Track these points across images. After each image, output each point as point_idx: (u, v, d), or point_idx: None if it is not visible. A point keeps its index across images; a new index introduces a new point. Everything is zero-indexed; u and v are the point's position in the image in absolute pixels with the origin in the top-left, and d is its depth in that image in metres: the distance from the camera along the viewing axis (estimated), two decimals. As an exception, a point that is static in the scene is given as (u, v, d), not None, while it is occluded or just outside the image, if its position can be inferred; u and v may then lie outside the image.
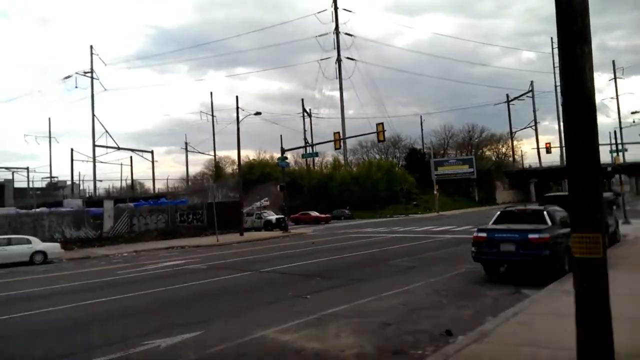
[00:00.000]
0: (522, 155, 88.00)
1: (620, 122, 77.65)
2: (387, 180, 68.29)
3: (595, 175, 4.22)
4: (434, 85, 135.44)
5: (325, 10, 77.58)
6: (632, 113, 47.26)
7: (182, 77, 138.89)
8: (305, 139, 72.28)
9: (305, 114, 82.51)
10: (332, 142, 33.59)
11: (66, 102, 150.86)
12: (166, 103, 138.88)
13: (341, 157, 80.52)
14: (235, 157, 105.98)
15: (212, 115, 73.43)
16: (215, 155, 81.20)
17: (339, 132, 34.86)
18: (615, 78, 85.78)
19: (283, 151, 34.65)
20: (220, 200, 35.65)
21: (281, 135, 38.08)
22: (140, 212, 31.36)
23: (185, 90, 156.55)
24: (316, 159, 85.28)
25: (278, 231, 35.42)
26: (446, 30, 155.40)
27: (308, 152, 35.30)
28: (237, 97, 34.18)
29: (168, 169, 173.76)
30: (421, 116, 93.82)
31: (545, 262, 9.48)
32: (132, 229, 30.51)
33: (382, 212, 61.53)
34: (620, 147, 56.71)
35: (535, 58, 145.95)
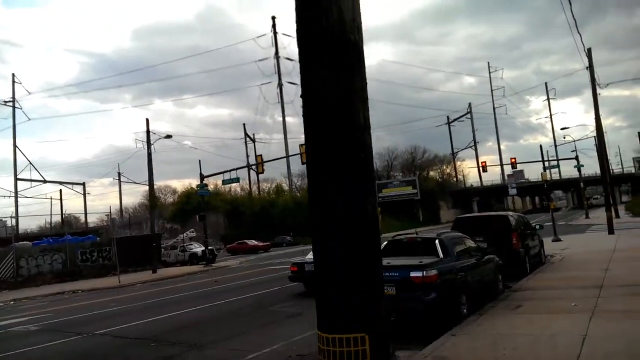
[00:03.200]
0: (464, 176, 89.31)
1: (555, 140, 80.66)
2: (331, 204, 66.63)
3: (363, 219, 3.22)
4: (384, 110, 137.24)
5: (265, 35, 76.13)
6: (562, 129, 48.17)
7: (125, 106, 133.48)
8: (248, 164, 69.48)
9: (250, 140, 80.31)
10: (289, 164, 31.05)
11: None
12: (111, 133, 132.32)
13: (291, 183, 78.75)
14: (176, 186, 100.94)
15: (148, 144, 69.33)
16: (152, 185, 76.12)
17: (260, 156, 32.51)
18: (548, 99, 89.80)
19: (202, 178, 31.72)
20: (132, 235, 31.96)
21: (200, 161, 35.43)
22: (31, 253, 27.23)
23: (131, 119, 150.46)
24: (265, 185, 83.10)
25: (202, 265, 32.16)
26: (392, 57, 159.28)
27: (230, 178, 32.31)
28: (147, 119, 31.33)
29: (113, 200, 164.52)
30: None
31: (431, 308, 7.23)
32: (20, 272, 26.31)
33: (326, 237, 59.60)
34: (552, 164, 57.83)
35: (476, 83, 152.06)
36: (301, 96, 3.10)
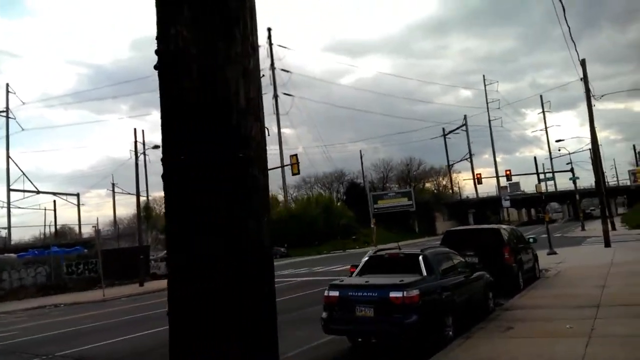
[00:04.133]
0: (459, 187, 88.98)
1: (550, 152, 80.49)
2: (326, 215, 66.06)
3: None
4: (379, 122, 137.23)
5: (260, 46, 75.84)
6: (557, 141, 47.91)
7: (121, 116, 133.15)
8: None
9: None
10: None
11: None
12: (107, 143, 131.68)
13: (288, 194, 78.21)
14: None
15: (144, 154, 68.57)
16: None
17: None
18: (543, 112, 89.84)
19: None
20: (120, 247, 31.19)
21: None
22: (13, 265, 26.33)
23: (127, 130, 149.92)
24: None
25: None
26: (387, 69, 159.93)
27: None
28: (135, 129, 30.86)
29: (109, 211, 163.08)
30: (360, 151, 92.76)
31: (411, 332, 6.58)
32: (2, 285, 25.41)
33: (320, 248, 58.96)
34: (548, 176, 57.54)
35: (472, 95, 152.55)
36: (155, 52, 1.78)
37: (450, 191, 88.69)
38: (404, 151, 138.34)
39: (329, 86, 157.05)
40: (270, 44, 75.67)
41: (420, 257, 7.74)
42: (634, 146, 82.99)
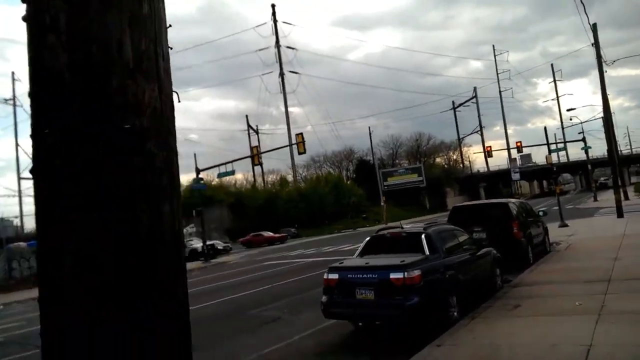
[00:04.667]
0: (470, 161, 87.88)
1: (562, 122, 78.96)
2: (335, 194, 65.99)
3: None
4: (389, 97, 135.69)
5: (265, 23, 74.69)
6: (568, 110, 46.76)
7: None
8: (251, 156, 68.89)
9: (253, 131, 79.67)
10: (289, 155, 30.15)
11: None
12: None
13: (297, 174, 78.10)
14: (182, 181, 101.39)
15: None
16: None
17: (256, 147, 31.64)
18: (555, 81, 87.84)
19: (198, 172, 30.89)
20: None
21: (195, 154, 33.53)
22: (23, 254, 26.65)
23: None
24: (271, 176, 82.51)
25: (201, 261, 31.54)
26: (396, 43, 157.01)
27: (225, 171, 31.50)
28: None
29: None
30: (369, 127, 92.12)
31: (413, 314, 6.37)
32: (12, 274, 25.78)
33: (331, 227, 59.08)
34: (560, 146, 56.47)
35: (483, 67, 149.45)
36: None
37: (461, 166, 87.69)
38: (414, 126, 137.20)
39: (337, 62, 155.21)
40: (275, 21, 74.40)
41: (423, 236, 7.48)
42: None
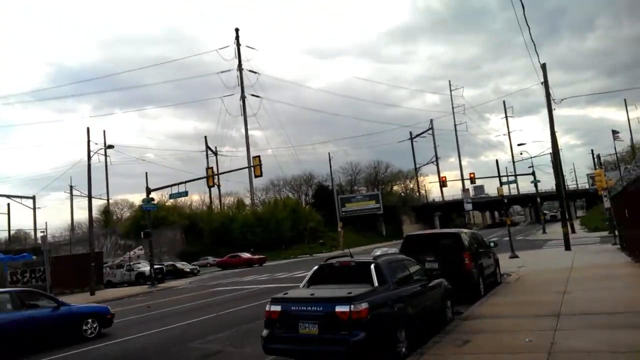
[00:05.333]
0: (426, 190, 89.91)
1: (513, 156, 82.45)
2: (293, 218, 65.27)
3: None
4: (350, 125, 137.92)
5: (228, 46, 74.55)
6: (518, 145, 48.90)
7: (84, 117, 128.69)
8: (206, 176, 67.25)
9: (211, 152, 78.14)
10: (249, 179, 29.19)
11: None
12: (69, 144, 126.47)
13: (256, 197, 76.81)
14: (135, 200, 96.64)
15: (105, 155, 65.86)
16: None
17: (211, 168, 30.78)
18: (506, 117, 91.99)
19: (148, 192, 29.55)
20: (72, 253, 29.41)
21: (146, 173, 32.37)
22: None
23: (91, 130, 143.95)
24: (228, 199, 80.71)
25: (147, 286, 29.81)
26: (357, 73, 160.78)
27: (177, 191, 30.29)
28: (87, 128, 29.15)
29: (69, 215, 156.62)
30: (329, 153, 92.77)
31: (358, 351, 5.90)
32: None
33: (287, 252, 58.13)
34: (511, 179, 58.61)
35: (439, 100, 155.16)
36: None
37: (417, 194, 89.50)
38: (372, 154, 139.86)
39: (300, 89, 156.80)
40: (238, 45, 74.47)
41: (372, 266, 7.08)
42: (592, 151, 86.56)
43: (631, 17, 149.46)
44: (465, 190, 35.87)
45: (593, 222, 44.69)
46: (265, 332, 6.61)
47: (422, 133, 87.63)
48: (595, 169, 46.27)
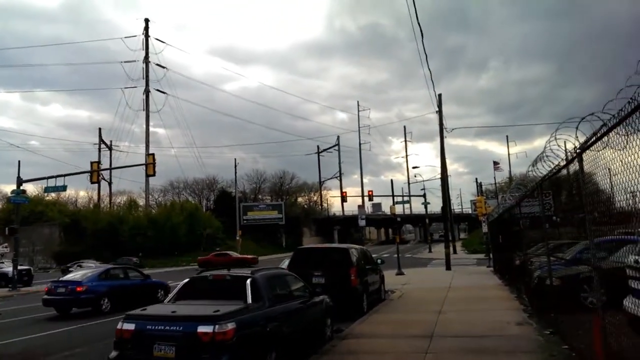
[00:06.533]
0: (328, 204, 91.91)
1: (408, 178, 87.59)
2: (190, 223, 62.24)
3: None
4: (260, 133, 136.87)
5: (136, 36, 69.67)
6: (414, 168, 52.09)
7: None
8: (90, 171, 61.62)
9: (105, 146, 71.95)
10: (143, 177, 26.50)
11: None
12: None
13: (152, 198, 71.76)
14: (7, 191, 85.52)
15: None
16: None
17: (97, 162, 28.10)
18: (405, 141, 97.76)
19: (20, 182, 25.95)
20: None
21: (19, 162, 27.85)
22: None
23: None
24: (122, 198, 74.53)
25: (8, 289, 25.92)
26: (272, 82, 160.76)
27: (54, 185, 27.01)
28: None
29: None
30: (235, 159, 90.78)
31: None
32: None
33: (181, 259, 55.08)
34: (406, 199, 62.05)
35: (347, 119, 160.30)
36: None
37: (320, 207, 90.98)
38: (280, 164, 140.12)
39: (211, 90, 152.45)
40: (147, 36, 70.00)
41: (248, 281, 6.55)
42: (476, 179, 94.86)
43: (518, 63, 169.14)
44: (360, 206, 36.99)
45: (472, 245, 48.85)
46: (113, 354, 5.71)
47: (329, 148, 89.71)
48: (478, 195, 50.73)
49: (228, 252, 46.20)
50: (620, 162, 4.02)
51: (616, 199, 4.64)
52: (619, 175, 4.20)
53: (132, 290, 15.42)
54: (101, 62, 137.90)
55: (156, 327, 5.57)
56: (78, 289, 14.18)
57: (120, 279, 15.77)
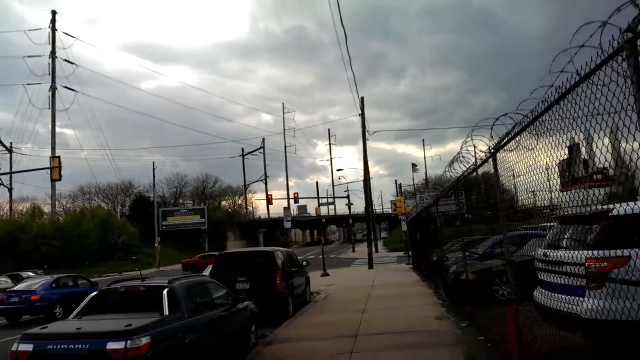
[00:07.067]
0: (253, 208, 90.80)
1: (333, 181, 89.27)
2: (103, 231, 57.99)
3: None
4: (181, 135, 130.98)
5: (41, 29, 63.70)
6: (338, 170, 53.11)
7: None
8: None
9: (4, 148, 64.83)
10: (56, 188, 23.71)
11: None
12: None
13: (60, 205, 65.63)
14: None
15: None
16: None
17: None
18: (330, 144, 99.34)
19: None
20: None
21: None
22: None
23: None
24: (25, 205, 67.54)
25: None
26: (193, 82, 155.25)
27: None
28: None
29: None
30: (154, 162, 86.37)
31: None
32: None
33: (91, 270, 51.07)
34: (331, 200, 63.00)
35: (273, 121, 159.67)
36: None
37: (245, 211, 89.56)
38: (204, 168, 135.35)
39: (126, 89, 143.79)
40: (54, 29, 64.33)
41: (166, 292, 6.10)
42: (396, 181, 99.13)
43: (433, 71, 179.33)
44: (286, 209, 36.92)
45: (393, 244, 50.76)
46: (6, 383, 5.02)
47: (254, 151, 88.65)
48: (398, 196, 52.88)
49: (216, 253, 44.99)
50: (525, 165, 4.28)
51: (520, 197, 4.97)
52: (523, 177, 4.49)
53: (82, 297, 14.42)
54: (0, 56, 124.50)
55: (59, 347, 4.98)
56: (32, 297, 14.86)
57: (70, 287, 16.34)
